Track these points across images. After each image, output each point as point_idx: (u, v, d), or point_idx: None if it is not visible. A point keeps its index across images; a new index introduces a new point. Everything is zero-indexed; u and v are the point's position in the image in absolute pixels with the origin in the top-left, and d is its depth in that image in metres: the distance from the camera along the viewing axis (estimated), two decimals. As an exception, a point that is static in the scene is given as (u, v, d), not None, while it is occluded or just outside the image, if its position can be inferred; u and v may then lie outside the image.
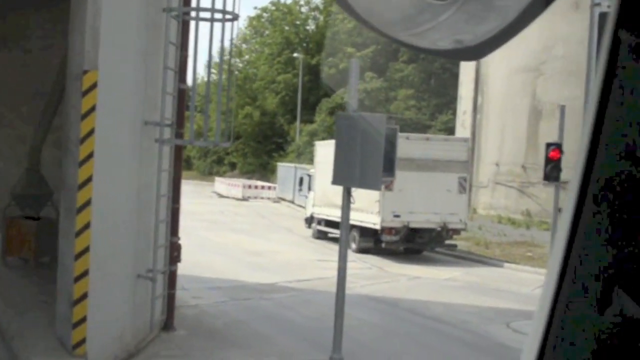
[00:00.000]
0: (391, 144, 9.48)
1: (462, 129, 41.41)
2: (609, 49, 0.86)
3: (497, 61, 36.91)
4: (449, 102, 49.14)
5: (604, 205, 0.89)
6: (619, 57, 0.86)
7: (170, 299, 12.14)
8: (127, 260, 10.27)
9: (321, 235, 27.45)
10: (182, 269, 12.90)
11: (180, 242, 12.44)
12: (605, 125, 0.88)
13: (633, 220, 0.86)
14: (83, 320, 9.54)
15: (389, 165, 9.41)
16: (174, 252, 12.03)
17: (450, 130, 45.61)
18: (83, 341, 9.56)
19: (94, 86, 9.61)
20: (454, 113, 46.02)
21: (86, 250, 9.54)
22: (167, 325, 12.02)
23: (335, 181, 9.69)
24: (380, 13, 1.17)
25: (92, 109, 9.61)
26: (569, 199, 0.92)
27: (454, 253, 24.46)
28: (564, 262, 0.91)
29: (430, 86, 55.28)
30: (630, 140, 0.86)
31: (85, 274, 9.55)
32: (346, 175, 9.39)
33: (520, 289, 18.59)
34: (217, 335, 12.31)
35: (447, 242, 24.02)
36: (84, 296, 9.54)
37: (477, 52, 1.06)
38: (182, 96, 12.29)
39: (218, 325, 13.04)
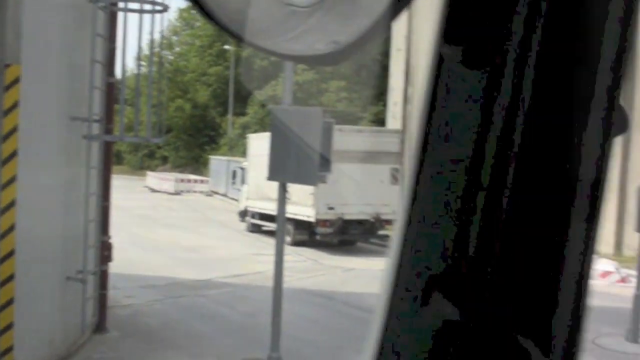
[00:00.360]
0: (327, 139, 9.35)
1: (393, 120, 41.61)
2: (435, 61, 0.97)
3: (427, 51, 37.15)
4: (380, 93, 49.41)
5: (427, 207, 0.95)
6: (442, 69, 0.96)
7: (102, 299, 11.82)
8: (56, 262, 9.92)
9: (255, 229, 27.31)
10: (114, 267, 12.58)
11: (112, 240, 12.14)
12: (431, 133, 0.95)
13: (449, 223, 0.92)
14: (10, 327, 9.15)
15: (325, 160, 9.29)
16: (104, 252, 11.73)
17: (381, 121, 45.87)
18: (10, 349, 9.17)
19: (16, 81, 9.20)
20: (385, 104, 46.27)
21: (11, 253, 9.14)
22: (100, 327, 11.69)
23: (271, 177, 9.52)
24: (245, 21, 1.10)
25: (15, 105, 9.20)
26: (404, 199, 0.99)
27: (387, 244, 24.52)
28: (399, 259, 0.96)
29: (362, 78, 55.54)
30: (452, 149, 0.94)
31: (10, 278, 9.15)
32: (282, 170, 9.23)
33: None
34: (151, 335, 12.04)
35: (381, 232, 24.14)
36: (10, 302, 9.15)
37: (349, 52, 1.06)
38: (111, 90, 11.98)
39: (153, 325, 12.76)
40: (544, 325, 0.91)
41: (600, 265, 19.07)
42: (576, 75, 0.93)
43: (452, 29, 0.95)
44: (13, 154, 9.18)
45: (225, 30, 1.10)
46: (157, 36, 18.42)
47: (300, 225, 23.54)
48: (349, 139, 22.59)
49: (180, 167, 59.86)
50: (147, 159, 65.21)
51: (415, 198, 0.97)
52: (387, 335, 0.95)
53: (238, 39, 1.12)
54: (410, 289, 0.94)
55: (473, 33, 0.94)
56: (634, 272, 14.33)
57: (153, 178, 50.86)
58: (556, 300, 0.91)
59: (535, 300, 0.91)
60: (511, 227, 0.91)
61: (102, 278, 11.79)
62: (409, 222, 0.96)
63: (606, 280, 18.28)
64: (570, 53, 0.92)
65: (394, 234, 0.99)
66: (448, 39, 0.95)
